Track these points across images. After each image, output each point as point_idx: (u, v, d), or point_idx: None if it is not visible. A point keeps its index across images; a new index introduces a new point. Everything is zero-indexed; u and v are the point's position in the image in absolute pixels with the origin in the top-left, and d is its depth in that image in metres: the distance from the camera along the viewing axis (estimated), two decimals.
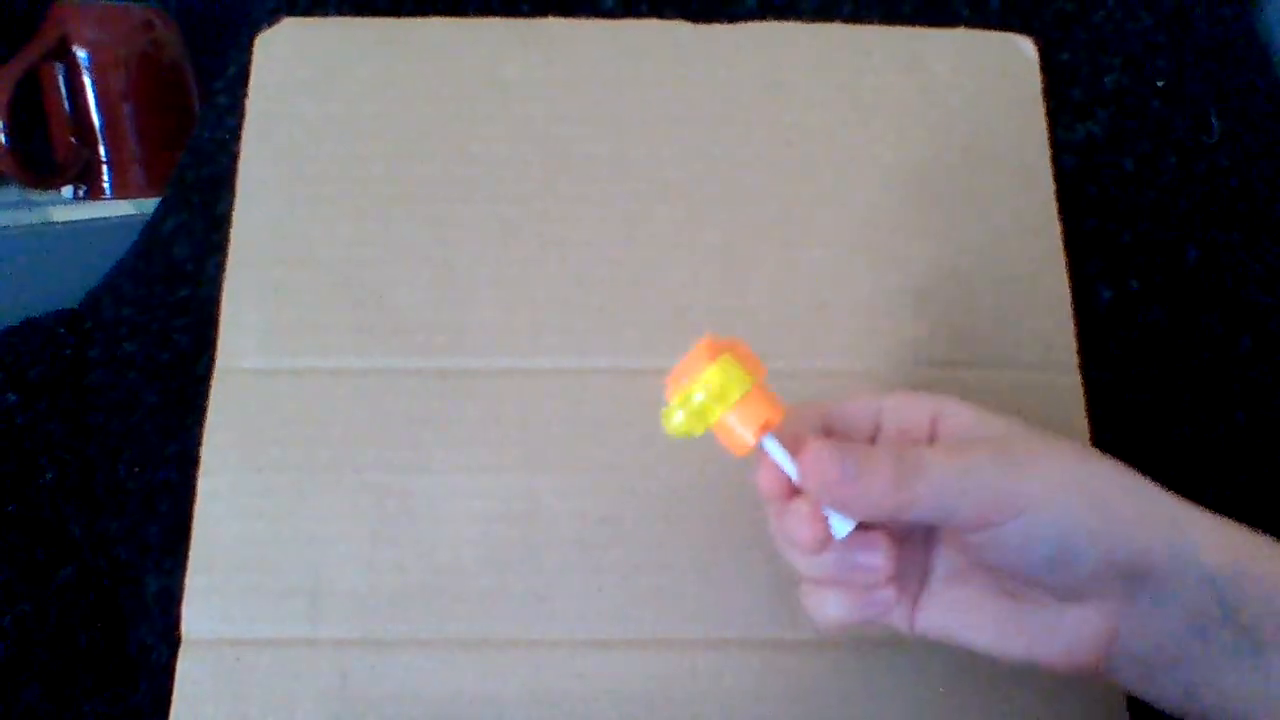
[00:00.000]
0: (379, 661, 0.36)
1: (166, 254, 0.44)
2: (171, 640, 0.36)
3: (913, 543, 0.30)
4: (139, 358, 0.43)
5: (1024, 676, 0.36)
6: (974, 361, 0.39)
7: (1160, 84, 0.46)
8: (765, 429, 0.27)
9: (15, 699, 0.38)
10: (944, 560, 0.30)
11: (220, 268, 0.40)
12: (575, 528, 0.37)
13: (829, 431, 0.30)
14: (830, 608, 0.29)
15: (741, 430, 0.27)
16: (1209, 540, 0.27)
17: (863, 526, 0.28)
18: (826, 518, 0.28)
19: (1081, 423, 0.39)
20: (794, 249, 0.40)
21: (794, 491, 0.29)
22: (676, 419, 0.27)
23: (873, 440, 0.30)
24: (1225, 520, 0.28)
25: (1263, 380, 0.42)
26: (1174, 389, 0.42)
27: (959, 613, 0.29)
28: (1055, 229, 0.41)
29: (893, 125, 0.42)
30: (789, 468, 0.28)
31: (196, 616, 0.36)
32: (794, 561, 0.30)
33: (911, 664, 0.36)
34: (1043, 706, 0.36)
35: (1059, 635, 0.28)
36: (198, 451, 0.38)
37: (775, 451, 0.28)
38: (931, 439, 0.29)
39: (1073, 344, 0.40)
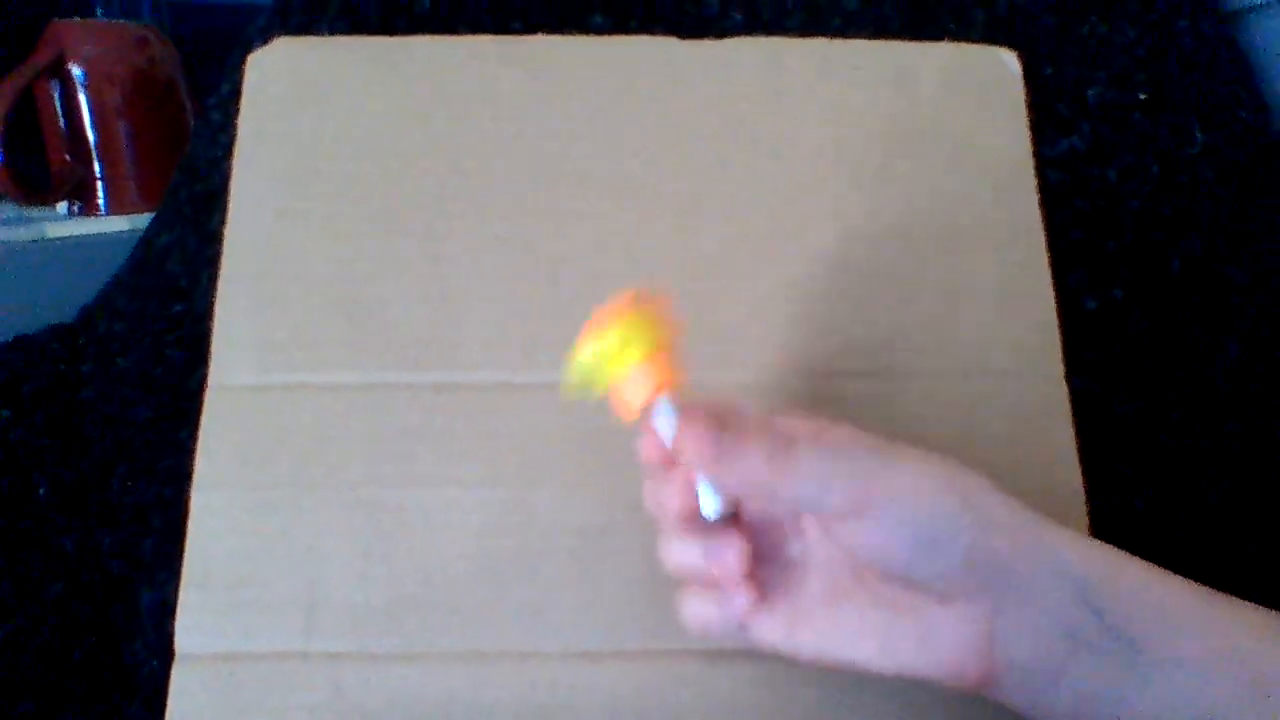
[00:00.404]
0: (373, 674, 0.36)
1: (160, 269, 0.45)
2: (165, 654, 0.36)
3: (786, 563, 0.31)
4: (132, 373, 0.43)
5: None
6: (960, 371, 0.40)
7: (1143, 96, 0.46)
8: (655, 393, 0.27)
9: (9, 713, 0.38)
10: (819, 577, 0.30)
11: (213, 283, 0.40)
12: (568, 540, 0.37)
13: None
14: (694, 606, 0.30)
15: (635, 391, 0.27)
16: (1074, 547, 0.28)
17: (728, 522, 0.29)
18: (698, 493, 0.28)
19: (1067, 432, 0.39)
20: (783, 263, 0.41)
21: (674, 463, 0.29)
22: (570, 375, 0.26)
23: None
24: (1089, 537, 0.29)
25: (1248, 389, 0.43)
26: (1160, 398, 0.42)
27: (837, 627, 0.29)
28: (1040, 240, 0.42)
29: (880, 138, 0.43)
30: (672, 434, 0.28)
31: (190, 630, 0.36)
32: (662, 550, 0.30)
33: None
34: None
35: (937, 641, 0.28)
36: (191, 466, 0.38)
37: (663, 418, 0.27)
38: None
39: (1058, 354, 0.40)
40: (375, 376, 0.39)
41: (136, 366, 0.43)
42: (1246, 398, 0.42)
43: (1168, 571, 0.28)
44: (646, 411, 0.28)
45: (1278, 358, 0.43)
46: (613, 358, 0.26)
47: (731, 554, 0.29)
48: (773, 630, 0.30)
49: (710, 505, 0.28)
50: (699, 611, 0.30)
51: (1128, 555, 0.29)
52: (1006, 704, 0.29)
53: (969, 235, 0.41)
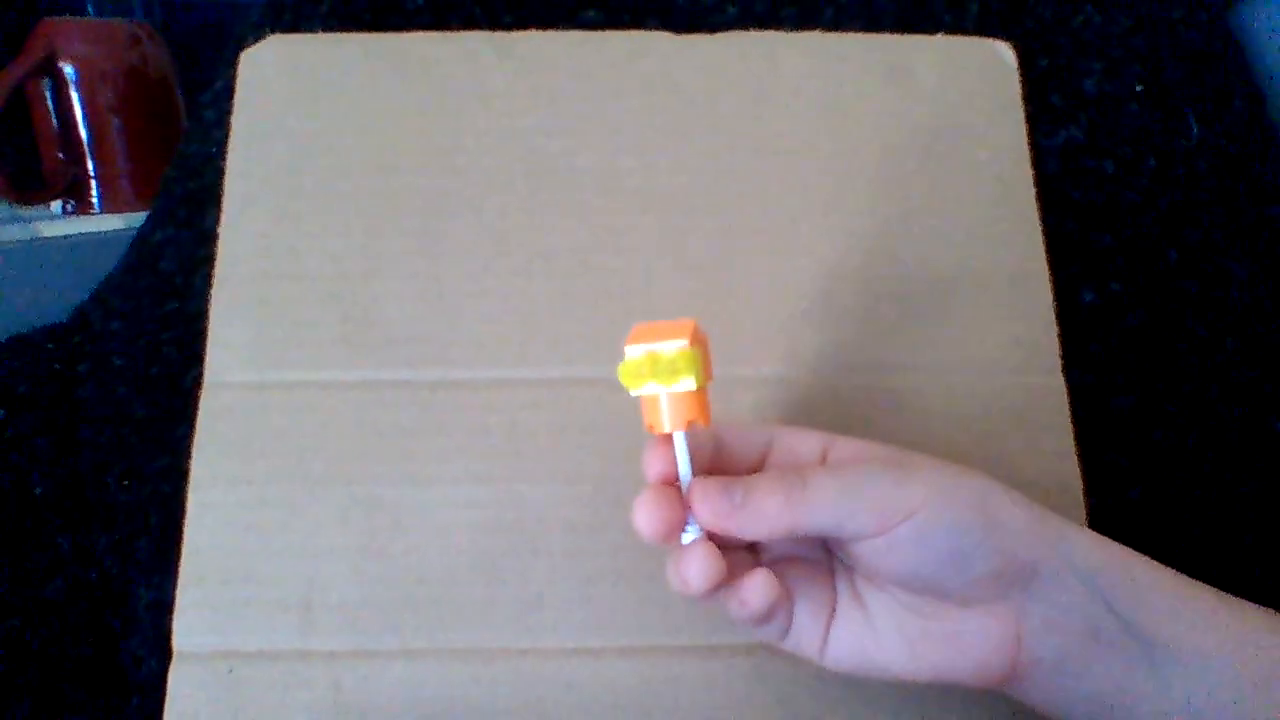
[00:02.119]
0: (371, 672, 0.36)
1: (154, 268, 0.45)
2: (162, 653, 0.36)
3: (816, 577, 0.31)
4: (128, 371, 0.43)
5: None
6: (957, 366, 0.40)
7: (1139, 88, 0.46)
8: (688, 425, 0.28)
9: (6, 713, 0.38)
10: (847, 590, 0.31)
11: (208, 281, 0.40)
12: (564, 537, 0.37)
13: (720, 449, 0.31)
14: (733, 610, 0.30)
15: (670, 416, 0.28)
16: (1088, 546, 0.28)
17: (750, 550, 0.30)
18: (715, 558, 0.28)
19: (1065, 426, 0.39)
20: (778, 258, 0.41)
21: (672, 481, 0.29)
22: (634, 368, 0.28)
23: (760, 468, 0.31)
24: (1097, 534, 0.29)
25: (1245, 381, 0.43)
26: (1157, 391, 0.42)
27: (869, 637, 0.30)
28: (1037, 233, 0.42)
29: (874, 132, 0.42)
30: (685, 468, 0.29)
31: (187, 629, 0.36)
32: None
33: None
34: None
35: (968, 644, 0.28)
36: (187, 464, 0.38)
37: (680, 448, 0.29)
38: None
39: (1055, 347, 0.40)
40: (370, 374, 0.39)
41: (132, 365, 0.43)
42: (1244, 390, 0.42)
43: (1174, 570, 0.29)
44: (667, 437, 0.29)
45: (1275, 350, 0.43)
46: (662, 372, 0.28)
47: (756, 596, 0.28)
48: (807, 643, 0.30)
49: (688, 536, 0.29)
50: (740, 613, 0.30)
51: (1135, 553, 0.29)
52: (1026, 700, 0.30)
53: (965, 228, 0.41)
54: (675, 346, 0.27)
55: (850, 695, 0.36)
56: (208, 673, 0.36)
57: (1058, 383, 0.40)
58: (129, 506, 0.41)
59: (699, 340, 0.28)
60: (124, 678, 0.39)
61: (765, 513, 0.28)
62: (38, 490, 0.42)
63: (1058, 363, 0.40)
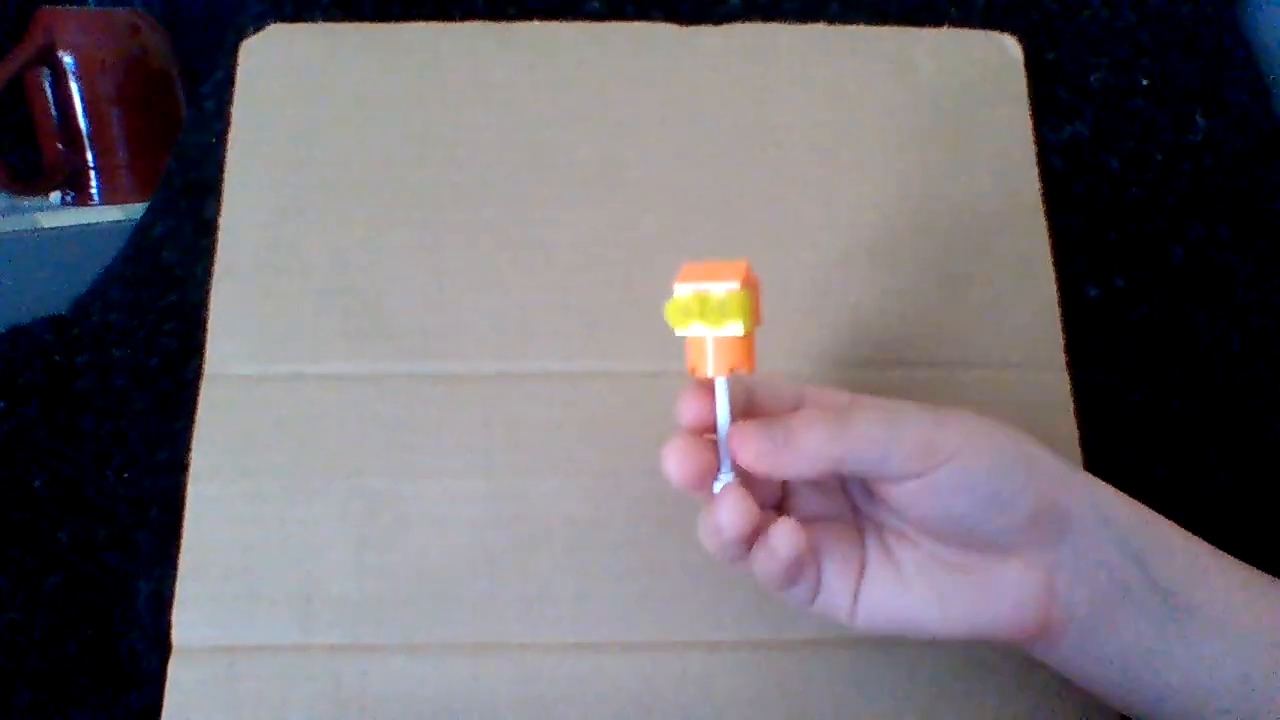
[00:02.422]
0: (371, 666, 0.36)
1: (154, 259, 0.44)
2: (162, 647, 0.36)
3: (844, 535, 0.30)
4: (127, 363, 0.43)
5: (1018, 677, 0.36)
6: (961, 361, 0.39)
7: (1145, 82, 0.46)
8: (731, 370, 0.27)
9: (5, 706, 0.38)
10: (877, 547, 0.30)
11: (208, 273, 0.40)
12: (566, 531, 0.37)
13: (751, 402, 0.30)
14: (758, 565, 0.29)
15: (715, 360, 0.27)
16: (1115, 499, 0.28)
17: (777, 510, 0.29)
18: (738, 501, 0.27)
19: (1069, 421, 0.39)
20: (782, 250, 0.40)
21: (708, 429, 0.29)
22: (681, 307, 0.27)
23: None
24: (1127, 496, 0.29)
25: (1250, 377, 0.42)
26: (1162, 386, 0.42)
27: (900, 592, 0.29)
28: (1042, 227, 0.41)
29: (879, 125, 0.42)
30: (724, 413, 0.28)
31: (187, 623, 0.36)
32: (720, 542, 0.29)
33: (903, 664, 0.36)
34: (1035, 707, 0.36)
35: (1001, 595, 0.28)
36: (187, 457, 0.38)
37: (721, 394, 0.28)
38: None
39: (1060, 342, 0.40)
40: (371, 366, 0.39)
41: (131, 357, 0.43)
42: (1248, 386, 0.42)
43: (1199, 538, 0.29)
44: (707, 382, 0.28)
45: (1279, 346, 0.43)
46: (711, 313, 0.27)
47: (785, 543, 0.28)
48: (837, 604, 0.30)
49: (719, 483, 0.28)
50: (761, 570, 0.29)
51: (1162, 517, 0.29)
52: (1054, 662, 0.29)
53: (970, 223, 0.41)
54: (725, 288, 0.27)
55: (853, 691, 0.36)
56: (207, 667, 0.36)
57: (1062, 378, 0.40)
58: (128, 499, 0.41)
59: (750, 283, 0.27)
60: (123, 671, 0.39)
61: (808, 449, 0.27)
62: (36, 483, 0.42)
63: (1062, 358, 0.40)
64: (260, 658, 0.36)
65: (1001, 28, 0.45)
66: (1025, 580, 0.28)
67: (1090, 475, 0.29)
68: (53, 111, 0.56)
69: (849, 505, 0.32)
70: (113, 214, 0.57)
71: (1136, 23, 0.47)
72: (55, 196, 0.59)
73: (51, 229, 0.55)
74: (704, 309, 0.27)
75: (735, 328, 0.27)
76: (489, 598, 0.36)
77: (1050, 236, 0.41)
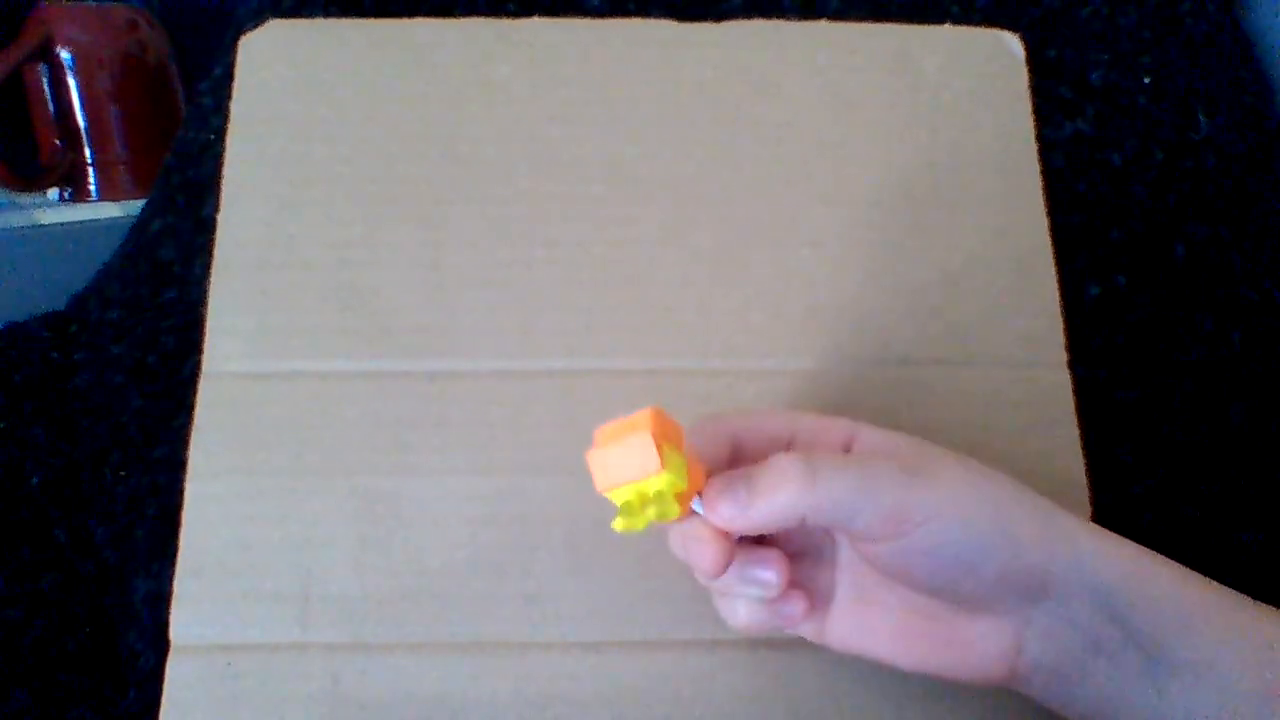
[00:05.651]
0: (370, 665, 0.36)
1: (152, 256, 0.44)
2: (160, 645, 0.36)
3: (818, 561, 0.31)
4: (125, 360, 0.43)
5: None
6: (962, 359, 0.39)
7: (1147, 80, 0.46)
8: (689, 508, 0.28)
9: (2, 705, 0.38)
10: (849, 579, 0.30)
11: (207, 269, 0.40)
12: (566, 530, 0.37)
13: (738, 447, 0.30)
14: (741, 614, 0.30)
15: (677, 519, 0.28)
16: (1101, 555, 0.28)
17: (759, 541, 0.29)
18: (724, 544, 0.28)
19: (1070, 420, 0.39)
20: (782, 248, 0.40)
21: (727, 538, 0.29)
22: (629, 512, 0.27)
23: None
24: (1117, 537, 0.28)
25: (1252, 377, 0.42)
26: (1163, 385, 0.42)
27: (865, 630, 0.30)
28: (1043, 225, 0.41)
29: (880, 123, 0.42)
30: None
31: (185, 621, 0.36)
32: (696, 574, 0.30)
33: None
34: (1032, 705, 0.36)
35: (966, 650, 0.28)
36: (185, 454, 0.38)
37: (696, 507, 0.28)
38: None
39: (1061, 340, 0.40)
40: (370, 364, 0.39)
41: (129, 354, 0.43)
42: (1249, 385, 0.42)
43: (1193, 573, 0.28)
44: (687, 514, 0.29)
45: None
46: (652, 504, 0.27)
47: (770, 575, 0.28)
48: (812, 632, 0.30)
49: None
50: (744, 618, 0.30)
51: (1153, 556, 0.28)
52: (1030, 696, 0.29)
53: (970, 220, 0.41)
54: (650, 473, 0.26)
55: (854, 689, 0.36)
56: (205, 665, 0.35)
57: (1064, 377, 0.40)
58: (126, 497, 0.41)
59: (663, 436, 0.27)
60: (121, 669, 0.39)
61: (772, 508, 0.27)
62: (34, 480, 0.42)
63: (1063, 356, 0.40)
64: (258, 656, 0.36)
65: (1003, 25, 0.44)
66: (993, 634, 0.28)
67: (1074, 524, 0.28)
68: (50, 107, 0.56)
69: (826, 535, 0.32)
70: (111, 210, 0.57)
71: (1138, 21, 0.47)
72: (53, 193, 0.59)
73: (49, 225, 0.55)
74: (645, 501, 0.27)
75: (669, 484, 0.26)
76: (488, 596, 0.36)
77: (1051, 234, 0.41)
